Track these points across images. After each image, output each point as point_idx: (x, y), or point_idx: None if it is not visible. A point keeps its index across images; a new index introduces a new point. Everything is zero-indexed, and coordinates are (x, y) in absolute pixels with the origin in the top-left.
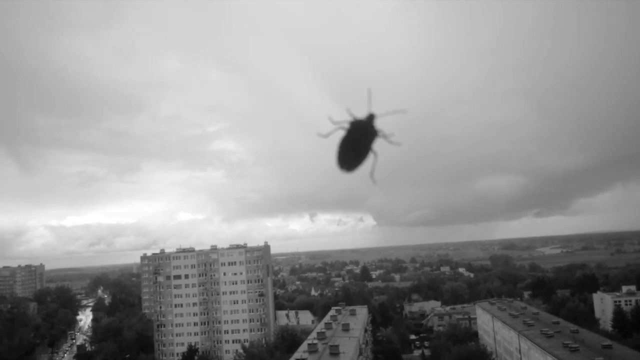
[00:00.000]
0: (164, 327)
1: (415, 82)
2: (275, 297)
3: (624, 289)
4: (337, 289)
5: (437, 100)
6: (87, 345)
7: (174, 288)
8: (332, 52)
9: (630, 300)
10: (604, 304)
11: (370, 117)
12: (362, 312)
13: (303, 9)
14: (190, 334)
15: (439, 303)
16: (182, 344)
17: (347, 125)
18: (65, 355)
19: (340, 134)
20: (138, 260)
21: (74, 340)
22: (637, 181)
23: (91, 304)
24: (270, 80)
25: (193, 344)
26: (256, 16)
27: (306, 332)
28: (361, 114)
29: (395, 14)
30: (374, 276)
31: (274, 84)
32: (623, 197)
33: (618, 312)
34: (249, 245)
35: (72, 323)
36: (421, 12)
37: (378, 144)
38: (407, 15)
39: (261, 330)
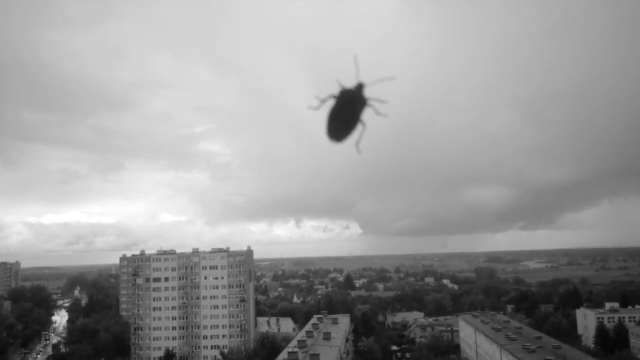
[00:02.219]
0: (141, 330)
1: (409, 90)
2: (257, 303)
3: (607, 305)
4: (319, 296)
5: (430, 109)
6: (61, 346)
7: (153, 291)
8: (325, 56)
9: (613, 318)
10: (586, 320)
11: (359, 86)
12: (344, 321)
13: (297, 12)
14: (168, 338)
15: (422, 314)
16: (160, 348)
17: (336, 95)
18: (39, 356)
19: (330, 104)
20: (117, 261)
21: (48, 341)
22: (624, 197)
23: (67, 305)
24: (262, 82)
25: (170, 348)
26: (250, 17)
27: (287, 340)
28: (350, 84)
29: (391, 20)
30: (357, 285)
31: (265, 87)
32: (609, 213)
33: (601, 329)
34: (231, 249)
35: (47, 323)
36: (418, 18)
37: (371, 121)
38: (404, 22)
39: (241, 337)
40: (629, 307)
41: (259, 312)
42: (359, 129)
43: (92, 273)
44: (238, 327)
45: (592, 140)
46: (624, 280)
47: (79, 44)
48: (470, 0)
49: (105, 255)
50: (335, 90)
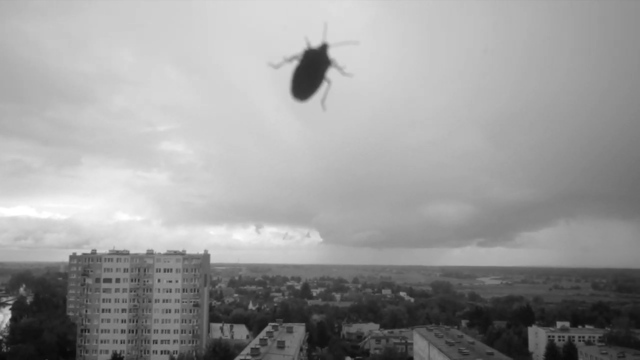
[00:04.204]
0: (88, 332)
1: (375, 104)
2: (211, 308)
3: (559, 324)
4: (275, 304)
5: (395, 125)
6: (2, 346)
7: (103, 292)
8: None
9: (563, 336)
10: (538, 338)
11: (324, 47)
12: (300, 330)
13: (269, 16)
14: (117, 341)
15: (377, 326)
16: (107, 351)
17: (300, 55)
18: None
19: (293, 65)
20: (67, 260)
21: None
22: (579, 219)
23: (11, 302)
24: (229, 85)
25: (118, 352)
26: (219, 18)
27: (240, 348)
28: (315, 44)
29: (359, 34)
30: (314, 294)
31: (232, 90)
32: (565, 233)
33: (551, 347)
34: (188, 252)
35: None
36: (386, 34)
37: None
38: (372, 36)
39: (192, 342)
40: (579, 326)
41: (213, 318)
42: (323, 86)
43: (40, 271)
44: (190, 333)
45: (551, 163)
46: (576, 300)
47: (40, 33)
48: (438, 20)
49: (55, 253)
50: (299, 51)
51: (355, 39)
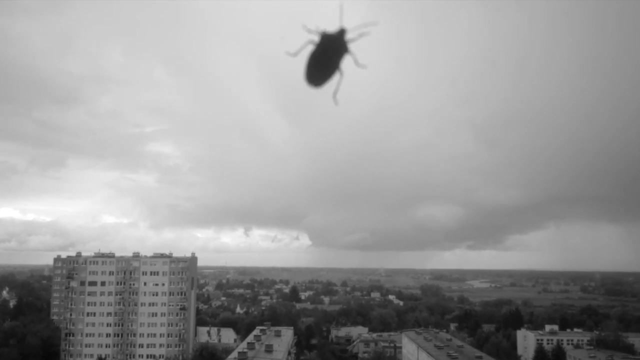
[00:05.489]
0: (73, 336)
1: (366, 104)
2: (198, 312)
3: (547, 327)
4: (264, 307)
5: (385, 126)
6: None
7: (88, 295)
8: (284, 66)
9: (552, 340)
10: (526, 342)
11: (341, 32)
12: (288, 333)
13: (261, 18)
14: (101, 345)
15: (366, 329)
16: (92, 355)
17: (316, 39)
18: None
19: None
20: (51, 262)
21: None
22: (569, 222)
23: None
24: (218, 86)
25: (103, 356)
26: (209, 19)
27: (227, 351)
28: (332, 29)
29: (350, 33)
30: (303, 297)
31: (221, 91)
32: (554, 236)
33: (539, 351)
34: (174, 255)
35: None
36: (377, 34)
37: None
38: (362, 36)
39: (179, 347)
40: (568, 330)
41: (200, 322)
42: (336, 78)
43: (23, 273)
44: (177, 337)
45: (541, 166)
46: (565, 303)
47: (28, 32)
48: (429, 22)
49: (39, 256)
50: (315, 36)
51: (370, 22)
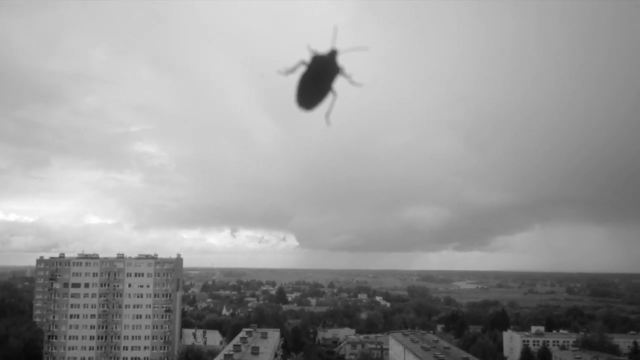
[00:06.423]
0: (56, 338)
1: (353, 105)
2: (183, 314)
3: (533, 329)
4: (250, 309)
5: (372, 127)
6: None
7: (71, 297)
8: (271, 67)
9: (538, 341)
10: (513, 343)
11: (332, 54)
12: (274, 335)
13: (247, 18)
14: (85, 348)
15: (353, 331)
16: (75, 358)
17: (307, 61)
18: None
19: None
20: (34, 263)
21: None
22: (555, 223)
23: None
24: (204, 86)
25: (87, 358)
26: (195, 19)
27: (213, 354)
28: (323, 50)
29: (339, 34)
30: (289, 299)
31: (207, 91)
32: (540, 238)
33: (526, 352)
34: (160, 256)
35: None
36: (365, 36)
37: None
38: (351, 37)
39: (164, 349)
40: (554, 331)
41: (186, 324)
42: (329, 98)
43: (5, 275)
44: (162, 339)
45: (528, 169)
46: (550, 304)
47: (8, 29)
48: (417, 23)
49: (21, 257)
50: (306, 57)
51: (362, 44)
